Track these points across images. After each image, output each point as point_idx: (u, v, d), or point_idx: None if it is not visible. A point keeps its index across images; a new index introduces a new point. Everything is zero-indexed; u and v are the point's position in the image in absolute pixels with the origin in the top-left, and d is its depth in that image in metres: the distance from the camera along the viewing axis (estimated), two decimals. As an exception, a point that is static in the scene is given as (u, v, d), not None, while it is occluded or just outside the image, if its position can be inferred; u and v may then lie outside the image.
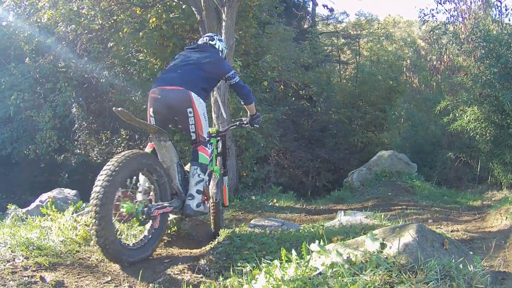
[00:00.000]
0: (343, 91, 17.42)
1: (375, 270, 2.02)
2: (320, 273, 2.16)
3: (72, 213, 3.85)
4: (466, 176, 13.48)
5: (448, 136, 12.62)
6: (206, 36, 4.25)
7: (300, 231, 4.36)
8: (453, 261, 2.33)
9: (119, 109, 3.05)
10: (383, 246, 2.30)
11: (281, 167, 14.13)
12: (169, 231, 4.20)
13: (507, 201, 7.22)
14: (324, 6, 16.95)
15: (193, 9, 7.88)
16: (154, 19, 8.41)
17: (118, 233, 3.45)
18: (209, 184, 4.11)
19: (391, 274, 1.99)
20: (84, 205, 4.75)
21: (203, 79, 3.71)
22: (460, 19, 14.92)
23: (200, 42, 4.22)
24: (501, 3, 12.67)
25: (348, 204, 8.79)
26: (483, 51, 10.07)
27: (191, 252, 3.86)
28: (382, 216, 5.66)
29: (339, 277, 2.01)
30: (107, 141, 11.37)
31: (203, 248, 3.93)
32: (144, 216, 3.22)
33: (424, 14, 13.14)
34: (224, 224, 4.79)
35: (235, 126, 4.64)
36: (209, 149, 3.84)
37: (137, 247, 3.20)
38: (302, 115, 15.69)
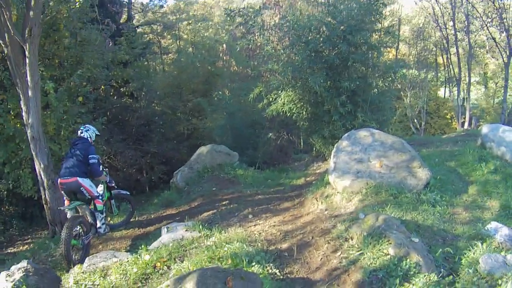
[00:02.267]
0: (164, 81, 17.37)
1: None
2: None
3: None
4: (290, 151, 14.34)
5: (266, 118, 12.69)
6: (79, 130, 6.65)
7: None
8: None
9: None
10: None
11: (115, 170, 13.89)
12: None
13: (323, 183, 7.43)
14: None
15: (1, 42, 7.47)
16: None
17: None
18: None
19: None
20: None
21: (80, 164, 6.27)
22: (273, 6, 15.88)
23: (79, 134, 6.60)
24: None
25: (176, 207, 8.69)
26: (291, 38, 10.31)
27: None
28: (201, 227, 5.88)
29: None
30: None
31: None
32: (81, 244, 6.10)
33: (230, 10, 13.57)
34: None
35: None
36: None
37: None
38: (126, 113, 15.30)
